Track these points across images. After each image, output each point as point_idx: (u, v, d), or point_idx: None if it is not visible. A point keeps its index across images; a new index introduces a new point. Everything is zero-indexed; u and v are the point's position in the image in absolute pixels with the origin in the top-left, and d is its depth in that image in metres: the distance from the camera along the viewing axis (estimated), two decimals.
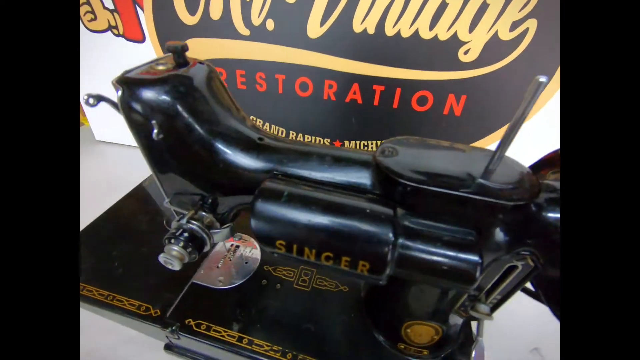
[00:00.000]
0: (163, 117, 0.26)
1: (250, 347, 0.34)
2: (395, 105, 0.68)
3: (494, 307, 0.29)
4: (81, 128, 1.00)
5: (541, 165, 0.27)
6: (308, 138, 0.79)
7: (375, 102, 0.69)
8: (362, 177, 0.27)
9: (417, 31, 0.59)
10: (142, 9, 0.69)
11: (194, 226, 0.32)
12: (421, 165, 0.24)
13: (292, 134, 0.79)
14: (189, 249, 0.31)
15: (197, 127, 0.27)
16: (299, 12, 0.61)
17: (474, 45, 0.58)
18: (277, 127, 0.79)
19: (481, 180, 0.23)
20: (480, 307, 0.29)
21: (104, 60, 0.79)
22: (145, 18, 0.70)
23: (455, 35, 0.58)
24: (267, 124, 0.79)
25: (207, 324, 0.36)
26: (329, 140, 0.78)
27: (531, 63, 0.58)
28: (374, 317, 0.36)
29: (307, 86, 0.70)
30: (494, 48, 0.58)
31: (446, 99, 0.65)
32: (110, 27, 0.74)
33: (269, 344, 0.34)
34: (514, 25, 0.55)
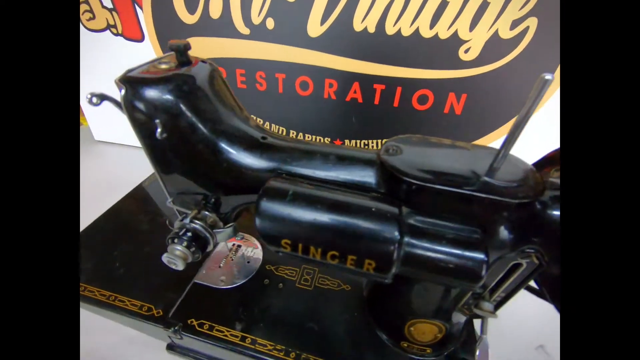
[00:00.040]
0: (166, 116, 0.26)
1: (253, 347, 0.34)
2: (395, 104, 0.68)
3: (498, 305, 0.29)
4: (80, 128, 0.99)
5: (544, 163, 0.27)
6: (308, 137, 0.79)
7: (376, 101, 0.69)
8: (367, 176, 0.27)
9: (417, 30, 0.59)
10: (141, 8, 0.69)
11: (197, 226, 0.31)
12: (426, 164, 0.24)
13: (293, 133, 0.79)
14: (192, 249, 0.31)
15: (200, 126, 0.27)
16: (299, 11, 0.61)
17: (474, 43, 0.58)
18: (277, 127, 0.79)
19: (486, 178, 0.23)
20: (484, 304, 0.29)
21: (103, 59, 0.78)
22: (145, 17, 0.70)
23: (455, 33, 0.58)
24: (267, 123, 0.79)
25: (209, 323, 0.36)
26: (329, 139, 0.78)
27: (531, 61, 0.57)
28: (377, 315, 0.36)
29: (308, 85, 0.70)
30: (495, 46, 0.58)
31: (447, 97, 0.65)
32: (109, 26, 0.73)
33: (272, 343, 0.34)
34: (515, 24, 0.55)
